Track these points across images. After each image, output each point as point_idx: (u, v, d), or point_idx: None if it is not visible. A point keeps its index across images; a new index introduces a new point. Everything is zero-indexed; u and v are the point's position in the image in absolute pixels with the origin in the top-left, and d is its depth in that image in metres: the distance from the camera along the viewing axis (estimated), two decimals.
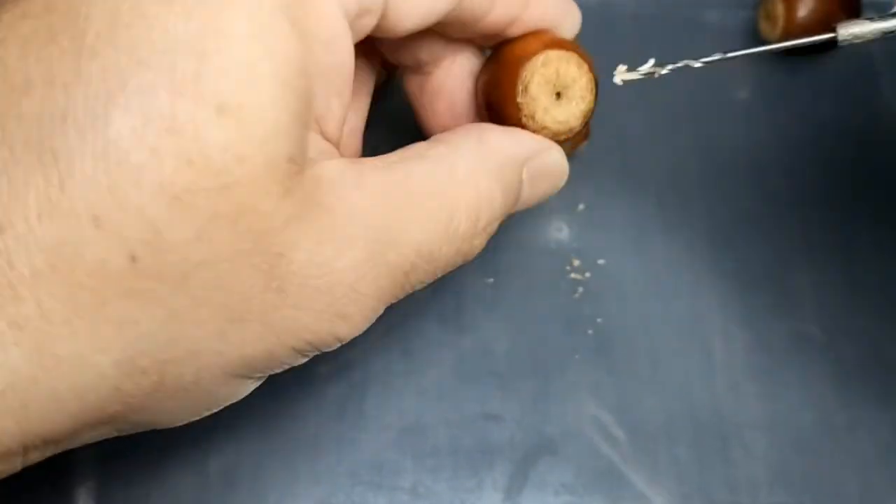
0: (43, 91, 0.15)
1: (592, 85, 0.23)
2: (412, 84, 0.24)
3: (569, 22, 0.23)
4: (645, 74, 0.26)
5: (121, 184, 0.15)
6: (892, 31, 0.25)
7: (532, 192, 0.23)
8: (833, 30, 0.26)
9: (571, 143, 0.31)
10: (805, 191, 0.32)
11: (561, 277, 0.31)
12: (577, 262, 0.31)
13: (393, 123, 0.27)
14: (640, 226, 0.32)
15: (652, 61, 0.25)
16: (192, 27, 0.15)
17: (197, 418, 0.19)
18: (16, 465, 0.17)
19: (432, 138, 0.21)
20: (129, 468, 0.27)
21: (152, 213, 0.15)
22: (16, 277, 0.15)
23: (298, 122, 0.17)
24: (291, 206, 0.16)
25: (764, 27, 0.35)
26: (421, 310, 0.30)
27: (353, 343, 0.29)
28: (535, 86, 0.22)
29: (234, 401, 0.19)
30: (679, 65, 0.26)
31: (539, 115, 0.22)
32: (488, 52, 0.24)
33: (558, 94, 0.22)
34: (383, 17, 0.19)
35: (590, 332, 0.30)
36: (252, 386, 0.19)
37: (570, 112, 0.22)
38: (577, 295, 0.30)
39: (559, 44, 0.22)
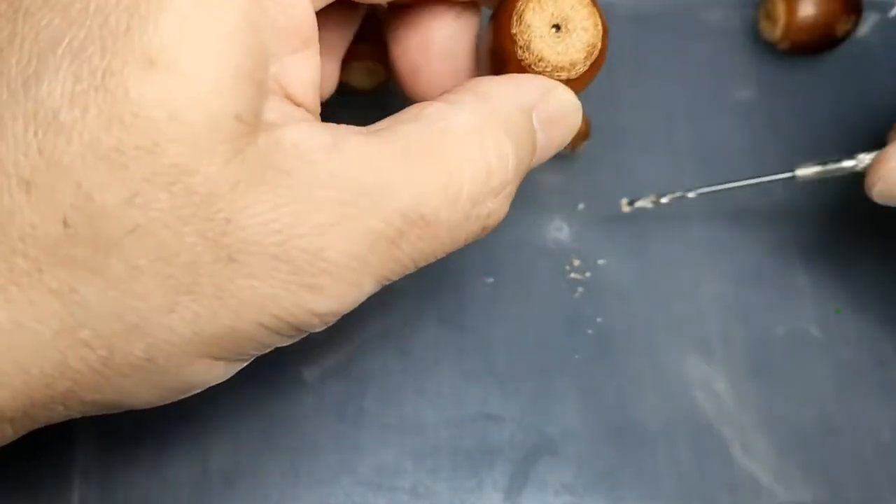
0: None
1: (596, 18, 0.21)
2: (399, 43, 0.22)
3: None
4: (644, 205, 0.30)
5: (51, 144, 0.14)
6: (846, 171, 0.28)
7: (549, 140, 0.20)
8: (791, 170, 0.29)
9: (571, 144, 0.31)
10: (804, 191, 0.32)
11: (561, 277, 0.31)
12: (577, 262, 0.31)
13: None
14: (640, 226, 0.32)
15: (651, 197, 0.30)
16: None
17: (172, 401, 0.18)
18: None
19: (426, 102, 0.19)
20: (130, 468, 0.27)
21: (82, 175, 0.14)
22: None
23: (247, 80, 0.16)
24: (241, 169, 0.15)
25: (764, 27, 0.35)
26: (420, 310, 0.30)
27: (353, 342, 0.29)
28: (530, 12, 0.20)
29: (214, 383, 0.18)
30: (677, 195, 0.29)
31: (535, 44, 0.20)
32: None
33: (557, 27, 0.20)
34: None
35: (590, 332, 0.30)
36: (231, 369, 0.18)
37: (571, 44, 0.20)
38: (576, 295, 0.30)
39: None
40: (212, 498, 0.27)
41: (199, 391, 0.18)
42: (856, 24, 0.34)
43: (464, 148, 0.18)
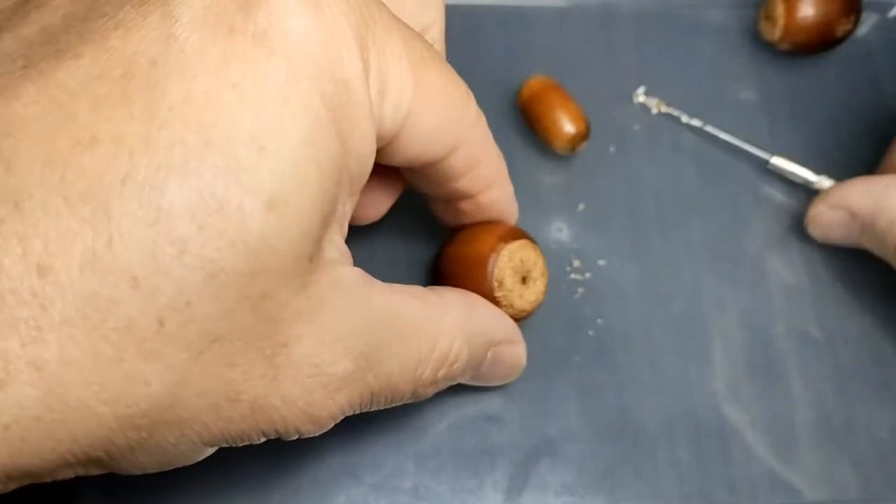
0: (108, 150, 0.15)
1: (544, 264, 0.26)
2: (448, 208, 0.27)
3: (513, 208, 0.26)
4: (651, 104, 0.33)
5: (164, 252, 0.16)
6: (810, 183, 0.32)
7: (490, 371, 0.25)
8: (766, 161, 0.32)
9: (571, 144, 0.32)
10: (804, 191, 0.32)
11: (561, 278, 0.31)
12: (577, 263, 0.31)
13: None
14: (641, 226, 0.32)
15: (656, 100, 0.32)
16: (257, 122, 0.16)
17: (151, 472, 0.19)
18: None
19: (430, 287, 0.23)
20: None
21: (188, 284, 0.16)
22: (45, 321, 0.15)
23: (324, 225, 0.18)
24: (305, 303, 0.18)
25: (764, 27, 0.35)
26: None
27: None
28: (509, 279, 0.25)
29: (188, 464, 0.19)
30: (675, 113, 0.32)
31: (517, 303, 0.26)
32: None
33: (523, 279, 0.26)
34: (389, 143, 0.21)
35: (590, 332, 0.30)
36: (209, 453, 0.19)
37: (536, 290, 0.26)
38: (577, 296, 0.30)
39: (513, 234, 0.26)
40: (212, 498, 0.27)
41: None
42: (855, 24, 0.34)
43: (441, 341, 0.22)
